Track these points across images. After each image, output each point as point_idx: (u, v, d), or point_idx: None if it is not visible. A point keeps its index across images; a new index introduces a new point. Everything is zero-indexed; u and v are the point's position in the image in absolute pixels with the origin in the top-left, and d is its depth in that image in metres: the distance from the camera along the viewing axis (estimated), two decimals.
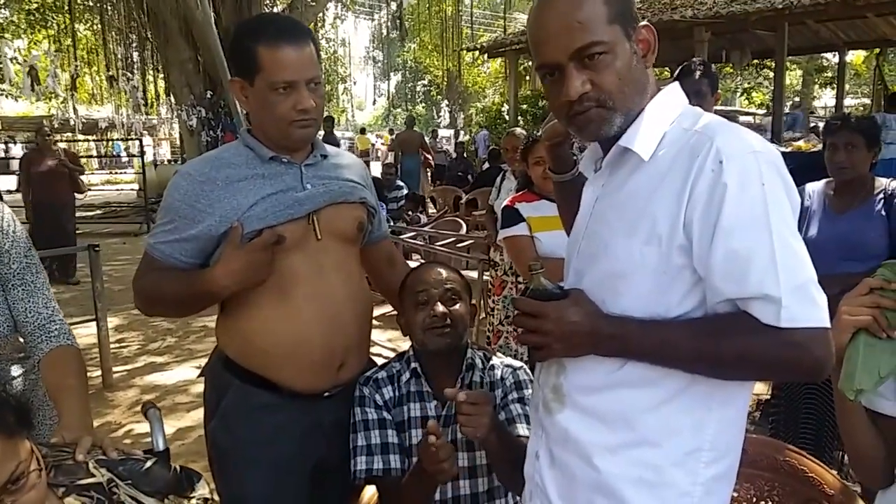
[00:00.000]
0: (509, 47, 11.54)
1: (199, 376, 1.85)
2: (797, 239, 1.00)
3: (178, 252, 1.61)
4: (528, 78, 14.24)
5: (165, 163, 18.86)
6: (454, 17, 16.14)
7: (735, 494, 1.59)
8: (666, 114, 1.12)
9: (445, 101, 21.30)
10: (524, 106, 12.11)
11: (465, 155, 13.53)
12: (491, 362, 1.73)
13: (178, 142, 17.53)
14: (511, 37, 12.19)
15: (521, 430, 1.63)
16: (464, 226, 6.07)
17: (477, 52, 14.02)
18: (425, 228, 6.81)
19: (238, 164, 1.62)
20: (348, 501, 1.71)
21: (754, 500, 1.81)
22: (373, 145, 24.42)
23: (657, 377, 1.08)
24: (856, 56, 18.17)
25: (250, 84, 1.57)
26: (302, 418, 1.67)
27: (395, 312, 1.85)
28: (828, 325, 0.98)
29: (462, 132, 18.03)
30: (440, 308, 1.61)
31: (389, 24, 19.45)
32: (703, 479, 1.10)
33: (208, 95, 9.46)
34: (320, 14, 15.36)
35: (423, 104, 32.99)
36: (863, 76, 19.59)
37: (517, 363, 1.74)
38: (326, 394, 1.68)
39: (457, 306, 1.64)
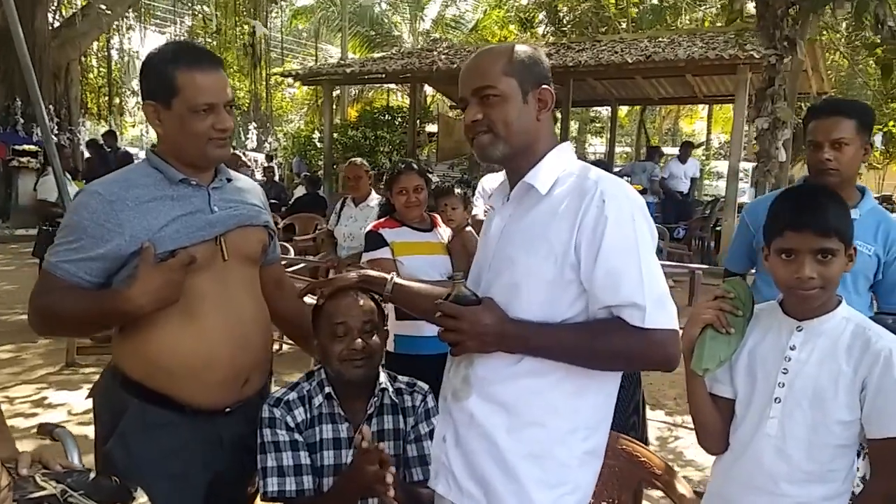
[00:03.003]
0: (325, 76, 11.68)
1: (87, 397, 1.77)
2: (656, 263, 1.34)
3: (82, 271, 1.57)
4: (336, 107, 14.48)
5: None
6: (261, 42, 15.94)
7: None
8: (560, 163, 1.44)
9: (254, 124, 20.78)
10: (335, 134, 12.29)
11: (276, 179, 13.31)
12: (397, 384, 1.83)
13: None
14: (328, 67, 12.36)
15: (421, 472, 1.73)
16: (291, 250, 6.05)
17: (288, 79, 13.93)
18: None
19: (146, 185, 1.63)
20: None
21: (597, 483, 2.15)
22: None
23: (545, 369, 1.37)
24: (622, 111, 20.92)
25: (166, 107, 1.60)
26: (202, 434, 1.69)
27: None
28: (677, 328, 1.33)
29: (276, 156, 17.66)
30: (360, 342, 1.69)
31: (182, 38, 18.73)
32: (578, 453, 1.40)
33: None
34: (115, 24, 14.33)
35: None
36: (626, 127, 22.57)
37: (422, 384, 1.85)
38: (227, 409, 1.72)
39: (374, 338, 1.73)
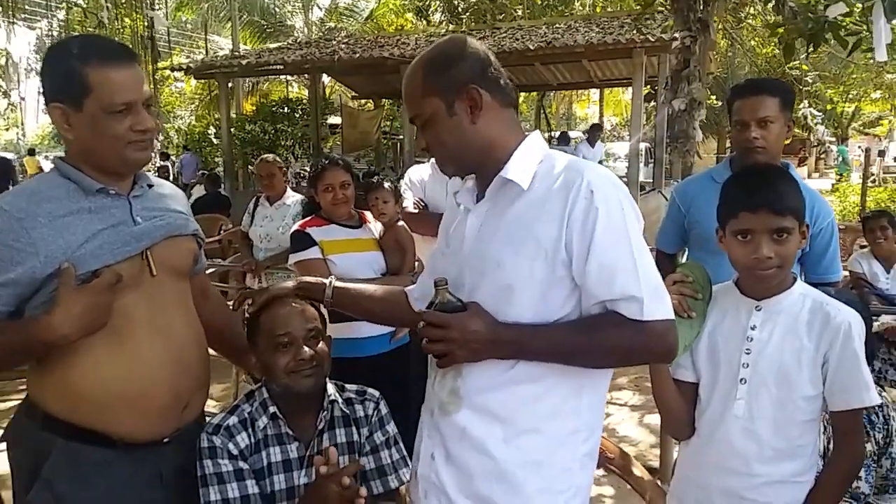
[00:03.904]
0: (219, 69, 11.16)
1: None
2: (648, 252, 1.29)
3: None
4: (231, 101, 13.90)
5: None
6: (146, 32, 15.00)
7: None
8: (534, 154, 1.35)
9: None
10: (232, 130, 11.84)
11: (171, 179, 12.63)
12: (346, 394, 1.73)
13: None
14: (222, 59, 11.81)
15: (393, 480, 1.67)
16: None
17: (178, 72, 13.21)
18: None
19: (59, 198, 1.44)
20: None
21: None
22: (41, 169, 21.30)
23: (540, 373, 1.29)
24: (520, 97, 21.28)
25: (76, 109, 1.42)
26: (140, 472, 1.53)
27: None
28: (673, 317, 1.28)
29: (169, 155, 16.71)
30: (307, 351, 1.58)
31: (55, 34, 17.42)
32: (579, 456, 1.34)
33: None
34: None
35: None
36: (524, 114, 22.99)
37: (372, 391, 1.76)
38: (165, 440, 1.57)
39: (321, 345, 1.63)
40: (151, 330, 1.52)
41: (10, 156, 16.38)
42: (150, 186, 1.60)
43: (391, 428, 1.74)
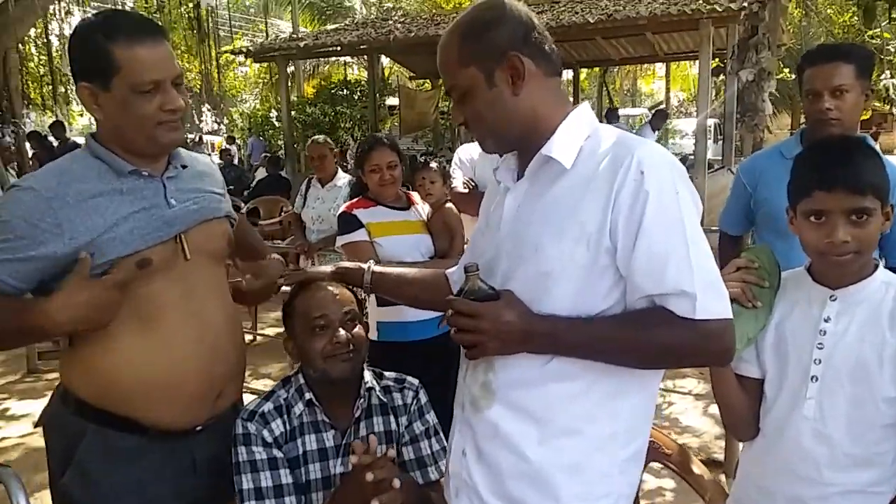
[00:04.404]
0: (278, 52, 11.24)
1: (35, 426, 1.57)
2: (705, 241, 1.14)
3: (5, 273, 1.35)
4: (292, 84, 14.05)
5: None
6: (208, 18, 15.29)
7: None
8: (581, 129, 1.22)
9: (207, 106, 20.08)
10: (293, 112, 11.95)
11: (234, 162, 12.89)
12: (384, 382, 1.68)
13: None
14: (280, 42, 11.89)
15: (433, 472, 1.62)
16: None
17: (240, 56, 13.43)
18: None
19: (89, 179, 1.41)
20: None
21: None
22: None
23: (578, 370, 1.18)
24: (582, 73, 20.76)
25: (104, 89, 1.38)
26: (173, 459, 1.51)
27: None
28: (731, 316, 1.14)
29: (234, 139, 17.09)
30: (343, 334, 1.53)
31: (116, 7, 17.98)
32: (619, 461, 1.22)
33: None
34: (51, 8, 13.60)
35: None
36: (586, 91, 22.40)
37: (411, 380, 1.70)
38: (199, 427, 1.53)
39: (357, 329, 1.58)
40: (184, 316, 1.48)
41: (82, 140, 17.07)
42: (184, 167, 1.55)
43: (431, 417, 1.67)
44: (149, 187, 1.46)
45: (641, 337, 1.13)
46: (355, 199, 2.78)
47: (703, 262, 1.11)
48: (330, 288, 1.58)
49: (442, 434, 1.67)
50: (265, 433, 1.53)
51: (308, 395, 1.57)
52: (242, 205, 8.41)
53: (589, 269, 1.14)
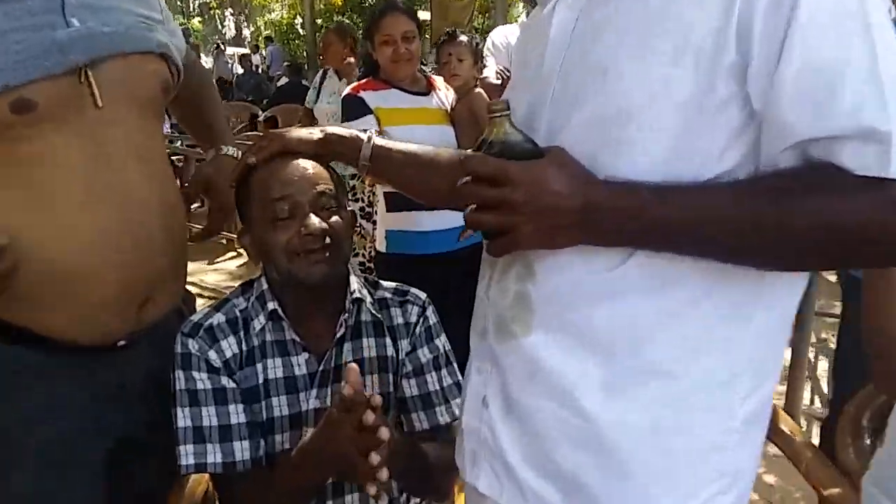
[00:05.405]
0: None
1: None
2: None
3: None
4: None
5: None
6: None
7: None
8: None
9: (230, 11, 19.38)
10: (318, 21, 11.45)
11: (255, 70, 12.47)
12: (380, 293, 1.28)
13: None
14: None
15: (442, 414, 1.24)
16: None
17: None
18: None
19: None
20: (170, 495, 1.21)
21: None
22: None
23: (676, 276, 0.75)
24: None
25: None
26: (88, 382, 1.17)
27: None
28: None
29: (259, 48, 16.60)
30: (315, 222, 1.10)
31: None
32: (738, 422, 0.80)
33: None
34: None
35: (200, 18, 30.34)
36: None
37: (417, 293, 1.30)
38: (122, 343, 1.18)
39: (336, 217, 1.14)
40: (92, 187, 1.09)
41: None
42: None
43: (441, 343, 1.27)
44: None
45: (782, 214, 0.69)
46: (364, 80, 2.36)
47: None
48: (298, 161, 1.14)
49: (456, 365, 1.29)
50: (211, 354, 1.14)
51: (272, 305, 1.17)
52: (260, 113, 8.04)
53: (695, 106, 0.71)
